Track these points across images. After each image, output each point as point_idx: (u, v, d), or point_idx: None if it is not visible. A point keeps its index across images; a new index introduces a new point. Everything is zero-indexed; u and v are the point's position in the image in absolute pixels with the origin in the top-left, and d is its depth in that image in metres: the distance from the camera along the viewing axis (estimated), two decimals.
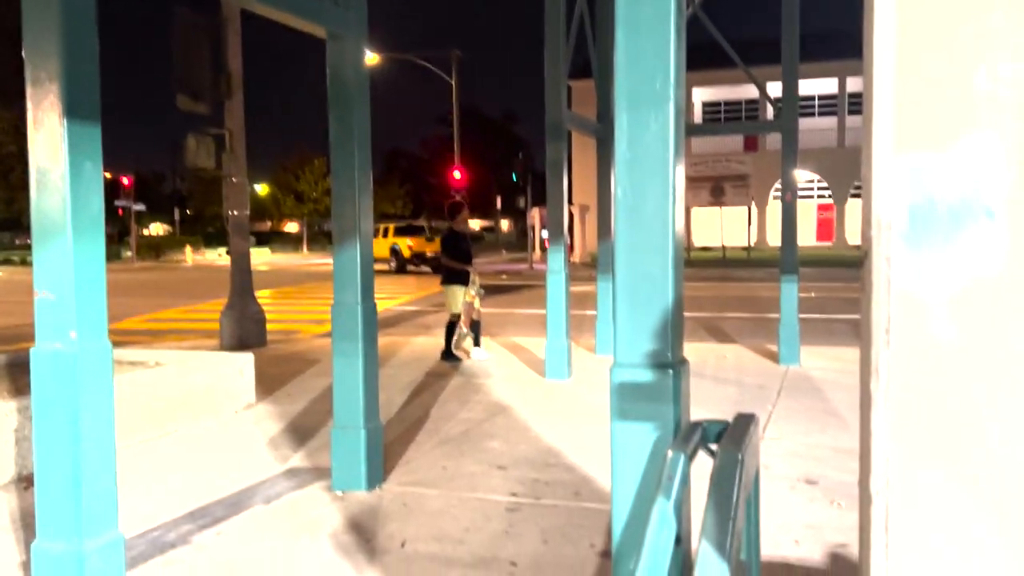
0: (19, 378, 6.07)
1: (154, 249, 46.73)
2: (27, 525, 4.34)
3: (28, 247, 55.26)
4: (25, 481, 5.11)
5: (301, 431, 6.37)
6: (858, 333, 1.20)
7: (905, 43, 1.03)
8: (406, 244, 33.16)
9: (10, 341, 12.34)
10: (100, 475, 3.18)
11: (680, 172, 2.45)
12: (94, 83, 3.12)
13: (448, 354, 9.61)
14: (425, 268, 31.57)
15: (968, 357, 1.05)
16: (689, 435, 1.83)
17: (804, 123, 30.59)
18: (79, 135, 3.03)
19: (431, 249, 31.64)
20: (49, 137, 3.02)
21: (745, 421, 1.91)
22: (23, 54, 3.05)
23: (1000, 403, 1.05)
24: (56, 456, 3.12)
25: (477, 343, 9.85)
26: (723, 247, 35.56)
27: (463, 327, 9.91)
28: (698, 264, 28.35)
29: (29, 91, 3.03)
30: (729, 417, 2.04)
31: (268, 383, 8.05)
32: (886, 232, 1.08)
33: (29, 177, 3.07)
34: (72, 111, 3.00)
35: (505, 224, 74.64)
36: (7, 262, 39.77)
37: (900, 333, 1.08)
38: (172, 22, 9.33)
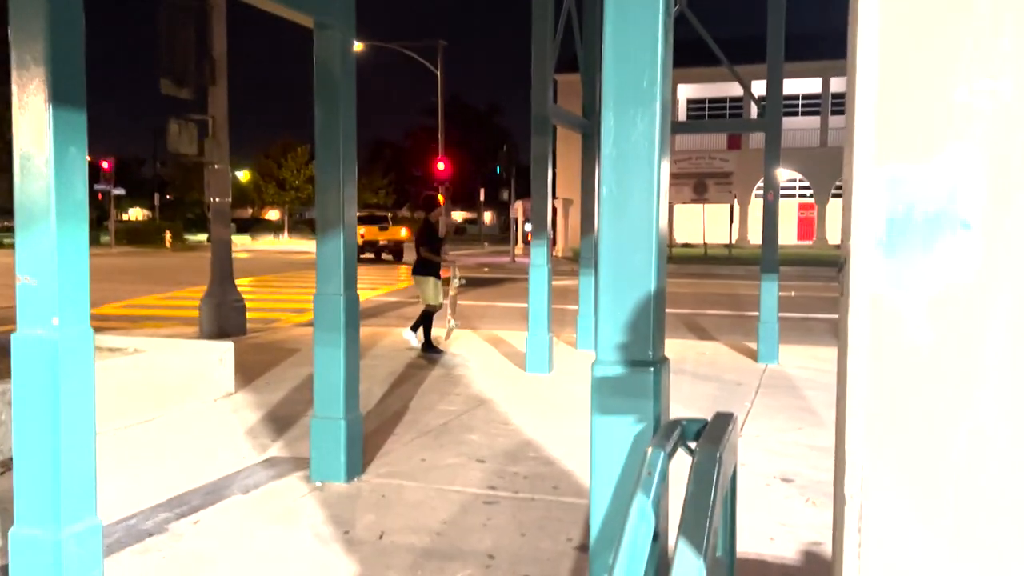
0: None
1: (133, 234, 46.29)
2: (3, 510, 4.32)
3: (8, 230, 54.59)
4: (2, 466, 5.08)
5: (280, 420, 6.37)
6: (836, 333, 1.23)
7: (887, 58, 1.06)
8: (358, 233, 33.13)
9: None
10: (80, 462, 3.17)
11: (665, 170, 2.48)
12: (80, 67, 3.10)
13: (428, 346, 9.63)
14: (369, 255, 31.49)
15: (941, 363, 1.08)
16: (669, 432, 1.86)
17: (787, 122, 30.67)
18: (64, 120, 3.02)
19: (384, 238, 32.25)
20: (34, 122, 3.00)
21: (724, 420, 1.94)
22: (8, 36, 3.03)
23: (970, 407, 1.08)
24: (36, 442, 3.11)
25: (417, 328, 9.86)
26: (705, 244, 35.74)
27: (451, 319, 10.01)
28: (680, 260, 28.48)
29: (14, 74, 3.01)
30: (708, 414, 2.07)
31: (247, 372, 8.03)
32: (865, 240, 1.11)
33: (12, 161, 3.05)
34: (58, 96, 2.98)
35: (488, 216, 74.64)
36: None
37: (876, 338, 1.11)
38: (158, 6, 9.25)
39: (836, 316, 1.24)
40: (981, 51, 1.03)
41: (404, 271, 27.16)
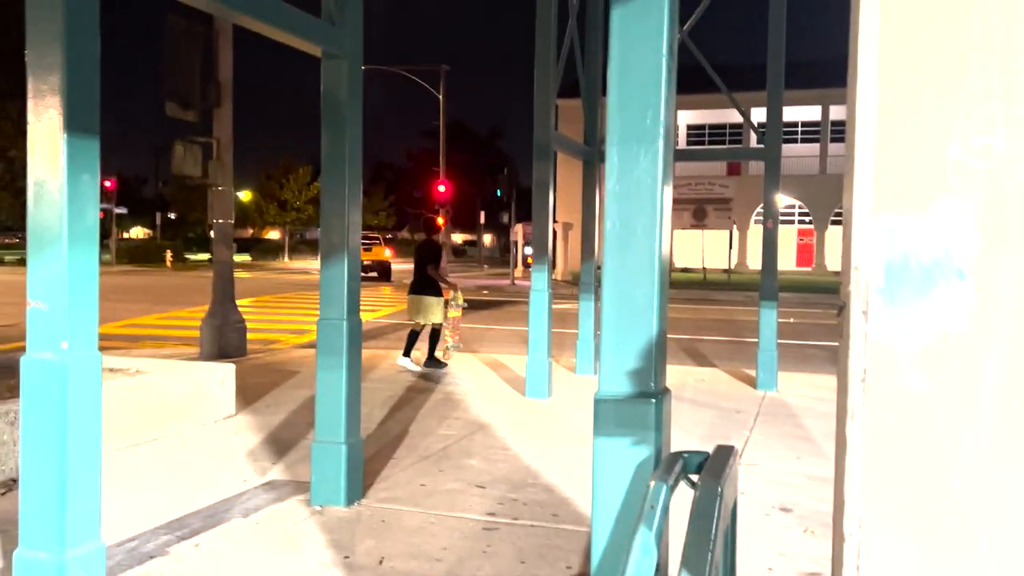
0: (2, 380, 6.05)
1: (134, 252, 46.34)
2: (4, 531, 4.33)
3: (10, 246, 54.66)
4: (3, 487, 5.09)
5: (280, 443, 6.38)
6: (834, 360, 1.27)
7: (885, 114, 1.11)
8: None
9: None
10: (85, 484, 3.20)
11: (668, 205, 2.53)
12: (94, 98, 3.16)
13: (431, 360, 9.87)
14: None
15: (936, 407, 1.12)
16: (671, 465, 1.89)
17: (786, 149, 30.83)
18: (78, 148, 3.07)
19: (367, 258, 32.99)
20: (49, 149, 3.05)
21: (725, 453, 1.97)
22: (26, 65, 3.09)
23: (963, 450, 1.12)
24: (42, 465, 3.14)
25: (409, 352, 10.19)
26: (704, 269, 35.84)
27: (450, 339, 10.17)
28: (679, 286, 28.53)
29: (30, 103, 3.07)
30: (707, 442, 2.11)
31: (248, 393, 8.05)
32: (863, 286, 1.15)
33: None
34: (72, 125, 3.04)
35: (488, 239, 74.79)
36: None
37: (874, 381, 1.16)
38: (165, 30, 9.35)
39: (834, 343, 1.29)
40: (974, 110, 1.08)
41: (387, 290, 27.33)
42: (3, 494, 4.99)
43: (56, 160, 3.04)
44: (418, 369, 10.00)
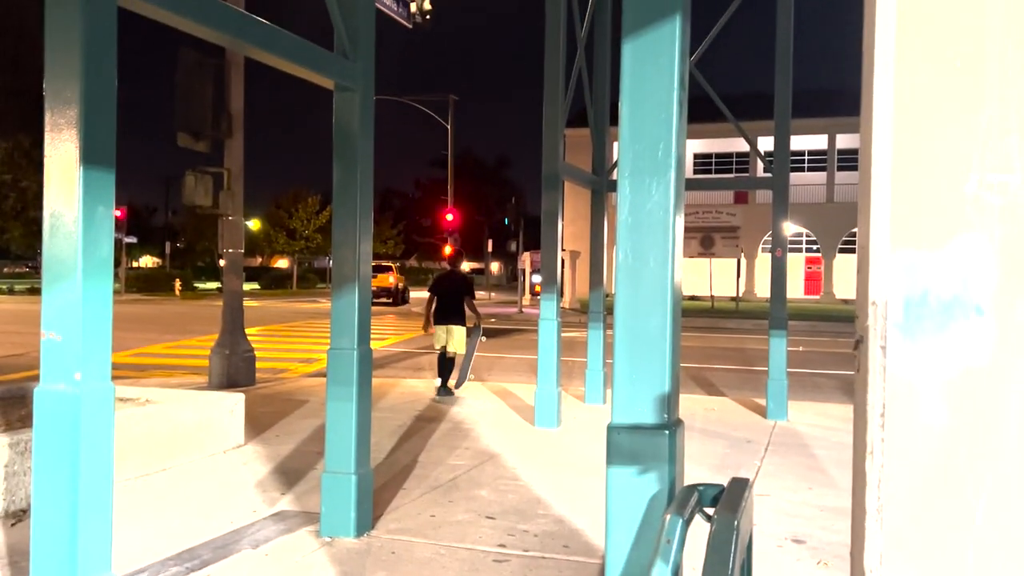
0: (10, 412, 6.06)
1: (144, 281, 46.49)
2: (14, 563, 4.32)
3: (19, 276, 54.91)
4: (13, 517, 5.08)
5: (289, 473, 6.36)
6: (845, 389, 1.27)
7: (900, 151, 1.12)
8: None
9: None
10: (97, 516, 3.19)
11: (679, 236, 2.54)
12: (111, 130, 3.20)
13: (446, 389, 10.25)
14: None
15: (957, 442, 1.12)
16: (686, 499, 1.88)
17: (794, 177, 30.84)
18: (94, 180, 3.11)
19: (376, 284, 35.63)
20: (65, 182, 3.08)
21: (739, 486, 1.97)
22: (43, 99, 3.13)
23: (985, 484, 1.12)
24: (55, 496, 3.14)
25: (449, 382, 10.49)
26: (712, 297, 35.78)
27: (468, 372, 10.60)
28: (687, 314, 28.48)
29: (47, 136, 3.11)
30: (718, 472, 2.10)
31: (257, 423, 8.04)
32: (881, 321, 1.15)
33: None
34: (89, 158, 3.07)
35: (495, 266, 74.92)
36: (0, 292, 39.41)
37: (893, 416, 1.16)
38: (177, 62, 9.47)
39: (845, 372, 1.29)
40: (991, 147, 1.09)
41: (391, 319, 27.44)
42: (13, 524, 4.98)
43: (72, 192, 3.08)
44: (453, 394, 10.30)
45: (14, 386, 7.15)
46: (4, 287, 42.67)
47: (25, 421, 5.71)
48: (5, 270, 59.97)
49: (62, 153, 3.09)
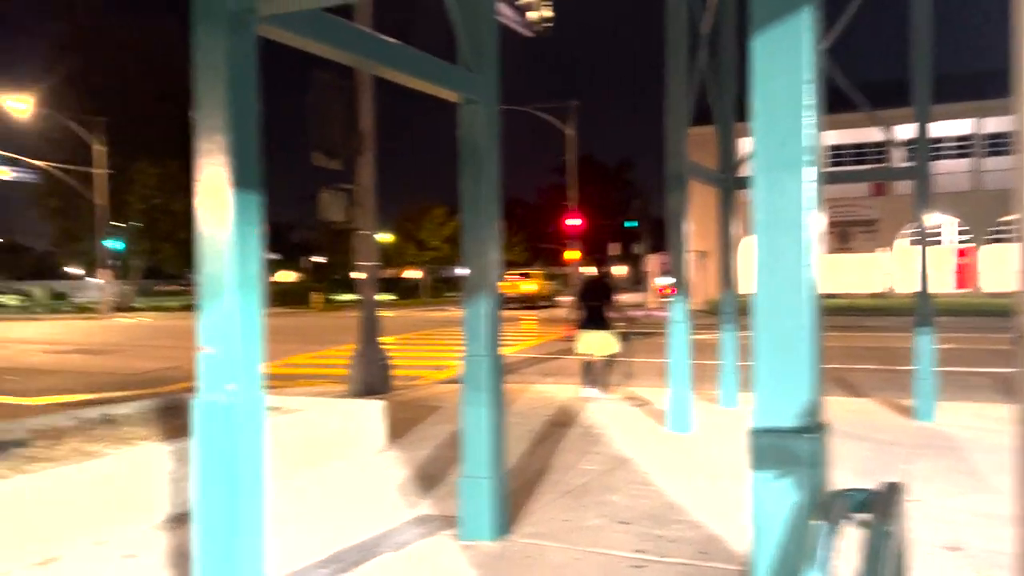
0: (170, 421, 6.49)
1: (283, 295, 48.74)
2: (176, 564, 4.62)
3: (171, 293, 58.66)
4: (174, 521, 5.43)
5: (428, 478, 6.53)
6: (1000, 388, 1.20)
7: None
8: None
9: (155, 384, 13.17)
10: (252, 521, 3.38)
11: (817, 232, 2.46)
12: (256, 154, 3.39)
13: (593, 390, 10.68)
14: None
15: None
16: (835, 504, 1.82)
17: (937, 166, 29.22)
18: (243, 202, 3.30)
19: (513, 291, 38.97)
20: (216, 204, 3.29)
21: (892, 490, 1.89)
22: (193, 127, 3.36)
23: None
24: (214, 502, 3.34)
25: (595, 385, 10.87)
26: (850, 294, 34.32)
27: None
28: (825, 312, 27.41)
29: (199, 161, 3.33)
30: (861, 476, 2.02)
31: (395, 429, 8.29)
32: None
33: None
34: (237, 180, 3.27)
35: (622, 270, 74.42)
36: (156, 308, 42.28)
37: None
38: (311, 85, 9.90)
39: (999, 370, 1.22)
40: None
41: (529, 323, 27.62)
42: (176, 528, 5.32)
43: (223, 214, 3.28)
44: (605, 396, 10.61)
45: (170, 398, 7.66)
46: (165, 304, 45.83)
47: (182, 430, 6.10)
48: (157, 288, 64.16)
49: (213, 177, 3.30)
